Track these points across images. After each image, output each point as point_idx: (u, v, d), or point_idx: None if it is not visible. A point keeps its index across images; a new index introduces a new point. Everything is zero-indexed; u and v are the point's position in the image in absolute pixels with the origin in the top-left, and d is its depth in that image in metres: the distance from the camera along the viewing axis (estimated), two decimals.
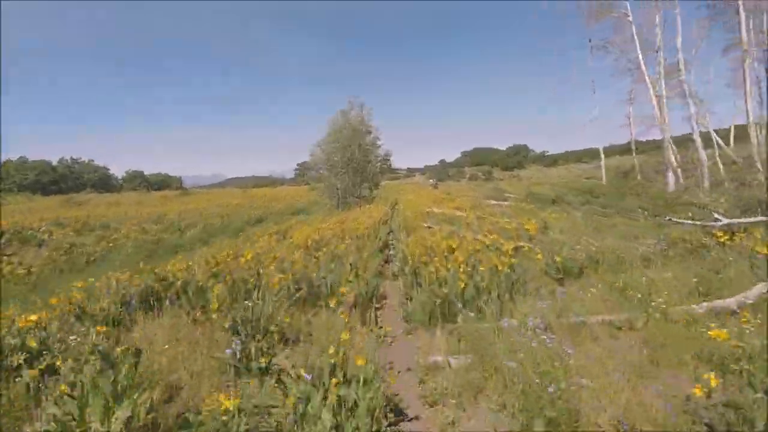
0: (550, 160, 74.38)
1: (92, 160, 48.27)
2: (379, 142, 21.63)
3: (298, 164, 54.57)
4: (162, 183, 59.11)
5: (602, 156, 32.97)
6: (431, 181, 43.27)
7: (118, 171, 56.24)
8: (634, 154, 38.69)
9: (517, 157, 76.88)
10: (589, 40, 34.83)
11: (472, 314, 4.08)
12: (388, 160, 22.60)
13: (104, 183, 48.13)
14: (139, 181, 54.19)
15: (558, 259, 5.60)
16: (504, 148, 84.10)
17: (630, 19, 29.75)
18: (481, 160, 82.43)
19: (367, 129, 20.37)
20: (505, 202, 20.51)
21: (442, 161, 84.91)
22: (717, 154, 31.22)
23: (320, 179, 18.78)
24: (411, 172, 69.55)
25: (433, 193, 26.37)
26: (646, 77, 28.41)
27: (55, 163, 44.80)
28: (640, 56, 29.20)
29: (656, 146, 48.64)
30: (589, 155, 78.53)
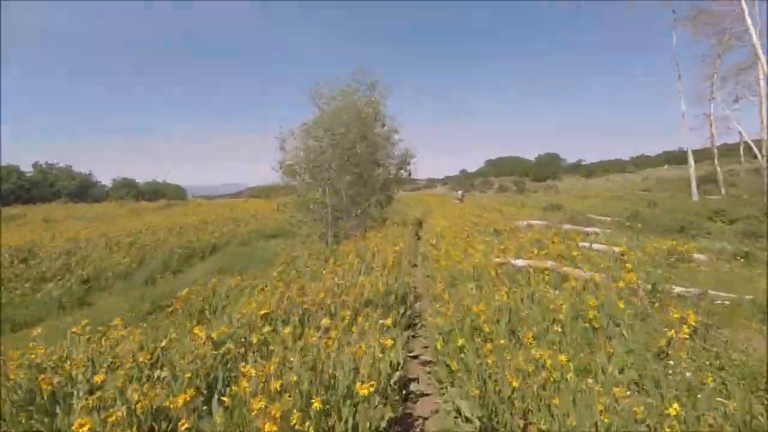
0: (588, 170, 65.85)
1: (70, 166, 42.72)
2: (396, 137, 14.45)
3: None
4: (156, 192, 53.42)
5: (692, 162, 24.95)
6: (457, 192, 35.84)
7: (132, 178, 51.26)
8: (716, 161, 30.43)
9: (550, 167, 68.62)
10: (673, 11, 27.22)
11: None
12: (408, 164, 15.32)
13: (83, 191, 42.43)
14: (126, 190, 48.43)
15: None
16: (530, 157, 76.19)
17: None
18: (508, 169, 74.55)
19: (377, 113, 13.27)
20: (591, 228, 13.01)
21: (464, 171, 77.64)
22: None
23: (294, 190, 11.47)
24: (431, 182, 62.39)
25: (469, 211, 18.95)
26: (759, 51, 20.71)
27: (27, 168, 39.42)
28: (752, 27, 21.55)
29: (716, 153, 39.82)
30: (632, 164, 69.83)
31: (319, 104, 11.71)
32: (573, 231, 11.84)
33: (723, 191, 28.41)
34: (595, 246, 8.71)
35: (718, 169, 30.08)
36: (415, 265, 9.28)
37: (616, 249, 7.79)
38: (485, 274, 5.39)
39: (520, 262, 5.98)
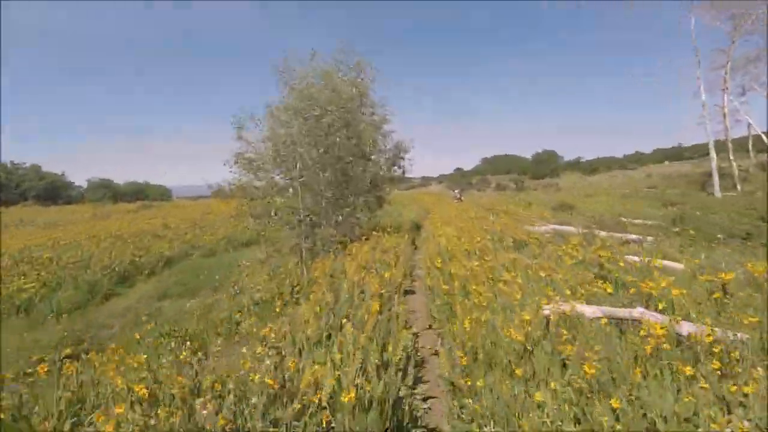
0: (589, 167, 63.81)
1: (39, 165, 39.66)
2: (386, 127, 12.03)
3: None
4: (138, 193, 50.52)
5: (713, 155, 22.82)
6: (455, 191, 33.55)
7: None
8: (730, 155, 28.17)
9: (549, 164, 66.46)
10: None
11: None
12: (402, 158, 12.89)
13: (55, 193, 39.43)
14: (103, 192, 45.53)
15: None
16: (525, 155, 74.09)
17: None
18: (504, 167, 72.36)
19: (363, 97, 10.81)
20: (632, 236, 10.66)
21: (458, 169, 75.34)
22: None
23: (247, 192, 8.88)
24: (426, 180, 60.08)
25: (473, 213, 16.55)
26: None
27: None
28: None
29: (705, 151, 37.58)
30: (628, 161, 67.89)
31: (286, 81, 9.19)
32: (608, 238, 9.47)
33: (739, 187, 26.32)
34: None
35: (734, 164, 27.87)
36: (413, 292, 6.88)
37: (683, 266, 5.40)
38: (545, 342, 2.97)
39: (589, 310, 3.57)
